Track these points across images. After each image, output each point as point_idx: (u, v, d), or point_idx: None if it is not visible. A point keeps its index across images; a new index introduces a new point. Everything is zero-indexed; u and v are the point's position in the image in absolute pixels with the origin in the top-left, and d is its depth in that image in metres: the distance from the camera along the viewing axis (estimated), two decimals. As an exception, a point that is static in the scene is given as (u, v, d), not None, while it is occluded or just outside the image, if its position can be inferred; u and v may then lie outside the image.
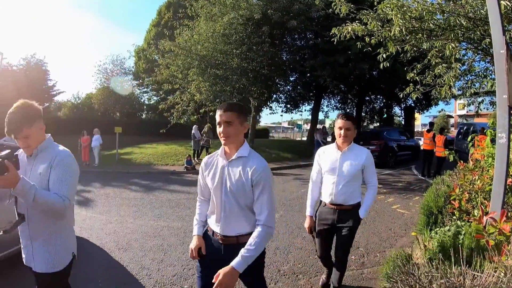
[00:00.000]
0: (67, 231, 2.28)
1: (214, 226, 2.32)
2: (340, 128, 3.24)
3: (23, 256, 2.29)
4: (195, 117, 17.96)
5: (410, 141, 19.17)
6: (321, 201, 3.46)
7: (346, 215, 3.27)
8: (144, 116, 34.77)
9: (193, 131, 16.80)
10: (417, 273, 2.83)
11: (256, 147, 19.81)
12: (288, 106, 26.08)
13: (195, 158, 16.33)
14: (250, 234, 2.18)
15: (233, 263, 2.03)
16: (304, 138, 32.55)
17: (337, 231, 3.34)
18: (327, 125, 37.16)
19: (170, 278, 4.14)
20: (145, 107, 34.75)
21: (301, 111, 48.65)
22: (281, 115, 78.99)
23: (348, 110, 29.01)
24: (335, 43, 6.60)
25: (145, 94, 34.62)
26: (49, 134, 2.30)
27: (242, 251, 2.07)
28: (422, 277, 2.73)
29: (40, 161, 2.18)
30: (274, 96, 23.24)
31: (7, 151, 1.99)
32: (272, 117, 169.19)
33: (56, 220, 2.17)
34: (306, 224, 3.45)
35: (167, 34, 18.47)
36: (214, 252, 2.30)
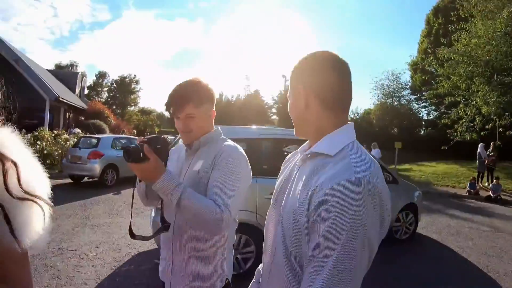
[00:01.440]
0: (223, 251, 1.68)
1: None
2: None
3: (160, 268, 1.79)
4: (481, 133, 15.58)
5: None
6: None
7: None
8: (422, 132, 33.24)
9: (478, 150, 14.59)
10: None
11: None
12: None
13: (480, 182, 14.13)
14: None
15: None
16: None
17: None
18: None
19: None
20: (423, 122, 33.29)
21: None
22: None
23: None
24: None
25: (423, 109, 33.28)
26: (219, 127, 1.79)
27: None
28: None
29: (201, 157, 1.67)
30: None
31: (152, 136, 1.59)
32: None
33: (208, 235, 1.61)
34: None
35: (444, 41, 16.96)
36: None
